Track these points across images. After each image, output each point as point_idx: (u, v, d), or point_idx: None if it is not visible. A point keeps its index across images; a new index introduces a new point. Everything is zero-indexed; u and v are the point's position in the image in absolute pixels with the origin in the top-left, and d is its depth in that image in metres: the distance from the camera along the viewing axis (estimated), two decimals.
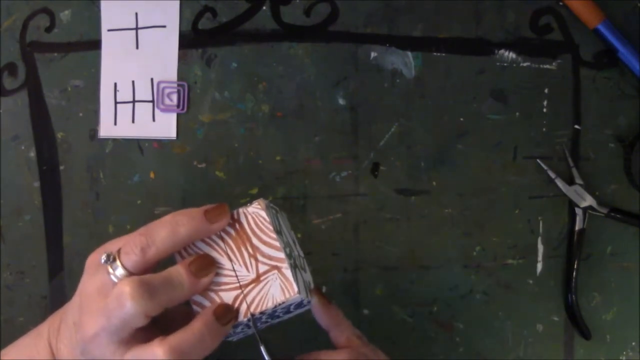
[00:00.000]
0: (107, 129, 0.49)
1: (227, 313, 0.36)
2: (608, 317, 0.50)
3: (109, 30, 0.48)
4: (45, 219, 0.49)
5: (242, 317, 0.37)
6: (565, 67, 0.49)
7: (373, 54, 0.49)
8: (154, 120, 0.49)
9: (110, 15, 0.48)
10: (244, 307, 0.37)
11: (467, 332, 0.49)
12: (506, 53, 0.49)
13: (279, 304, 0.37)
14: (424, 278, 0.49)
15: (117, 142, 0.49)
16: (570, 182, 0.49)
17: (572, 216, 0.49)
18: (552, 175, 0.49)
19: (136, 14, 0.48)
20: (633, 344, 0.50)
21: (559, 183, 0.49)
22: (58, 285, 0.49)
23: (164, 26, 0.48)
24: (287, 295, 0.37)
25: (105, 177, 0.49)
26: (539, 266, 0.49)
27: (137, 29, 0.48)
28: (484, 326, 0.49)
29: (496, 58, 0.49)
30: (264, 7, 0.48)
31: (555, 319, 0.50)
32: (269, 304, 0.37)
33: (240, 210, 0.38)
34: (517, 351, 0.50)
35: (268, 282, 0.37)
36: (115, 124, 0.49)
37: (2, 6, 0.48)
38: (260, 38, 0.48)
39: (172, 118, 0.49)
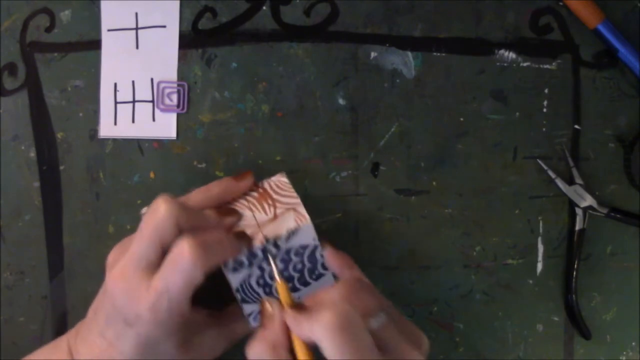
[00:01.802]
0: (107, 129, 0.49)
1: (244, 235, 0.41)
2: (608, 317, 0.50)
3: (109, 30, 0.48)
4: (45, 219, 0.49)
5: (257, 243, 0.40)
6: (565, 67, 0.49)
7: (373, 54, 0.49)
8: (154, 120, 0.49)
9: (110, 15, 0.48)
10: (260, 237, 0.41)
11: (467, 332, 0.49)
12: (506, 53, 0.49)
13: (292, 231, 0.40)
14: (424, 278, 0.49)
15: (117, 142, 0.49)
16: (570, 182, 0.49)
17: (572, 216, 0.49)
18: (552, 175, 0.49)
19: (136, 14, 0.48)
20: (633, 344, 0.50)
21: (559, 183, 0.49)
22: (58, 285, 0.49)
23: (164, 26, 0.48)
24: (300, 223, 0.41)
25: (105, 177, 0.49)
26: (539, 266, 0.50)
27: (137, 29, 0.48)
28: (484, 326, 0.50)
29: (496, 58, 0.49)
30: (264, 7, 0.48)
31: (555, 319, 0.50)
32: (282, 232, 0.40)
33: (264, 180, 0.44)
34: (517, 351, 0.50)
35: (284, 218, 0.41)
36: (115, 124, 0.49)
37: (2, 6, 0.48)
38: (260, 38, 0.48)
39: (172, 118, 0.49)
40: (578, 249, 0.49)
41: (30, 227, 0.49)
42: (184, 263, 0.37)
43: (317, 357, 0.35)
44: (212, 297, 0.43)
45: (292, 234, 0.41)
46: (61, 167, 0.49)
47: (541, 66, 0.49)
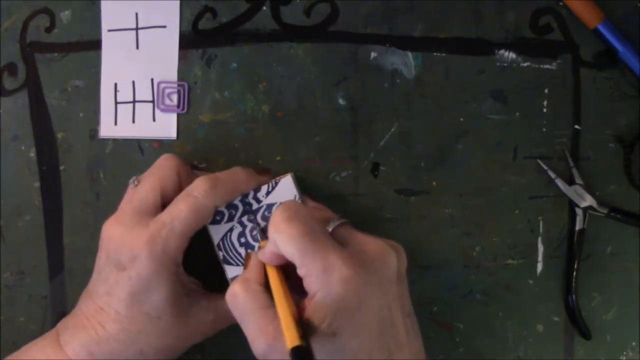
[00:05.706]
0: (107, 129, 0.49)
1: None
2: (608, 317, 0.50)
3: (109, 30, 0.48)
4: (45, 219, 0.49)
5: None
6: (565, 67, 0.49)
7: (373, 54, 0.49)
8: (154, 120, 0.49)
9: (111, 15, 0.48)
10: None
11: (467, 332, 0.49)
12: (506, 53, 0.49)
13: (272, 184, 0.43)
14: (424, 278, 0.49)
15: (117, 142, 0.49)
16: (570, 182, 0.49)
17: (572, 216, 0.49)
18: (552, 175, 0.49)
19: (136, 14, 0.48)
20: (633, 344, 0.50)
21: (559, 183, 0.49)
22: (58, 285, 0.49)
23: (164, 26, 0.48)
24: (278, 179, 0.44)
25: (106, 177, 0.49)
26: (539, 266, 0.50)
27: (137, 29, 0.48)
28: (484, 326, 0.49)
29: (496, 58, 0.49)
30: (264, 7, 0.48)
31: (555, 319, 0.50)
32: (263, 185, 0.43)
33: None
34: (517, 351, 0.50)
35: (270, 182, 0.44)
36: (115, 124, 0.49)
37: (2, 6, 0.48)
38: (260, 38, 0.48)
39: (173, 118, 0.49)
40: (578, 249, 0.49)
41: (30, 227, 0.49)
42: (199, 191, 0.39)
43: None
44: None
45: (272, 187, 0.43)
46: (61, 167, 0.49)
47: (541, 66, 0.49)
